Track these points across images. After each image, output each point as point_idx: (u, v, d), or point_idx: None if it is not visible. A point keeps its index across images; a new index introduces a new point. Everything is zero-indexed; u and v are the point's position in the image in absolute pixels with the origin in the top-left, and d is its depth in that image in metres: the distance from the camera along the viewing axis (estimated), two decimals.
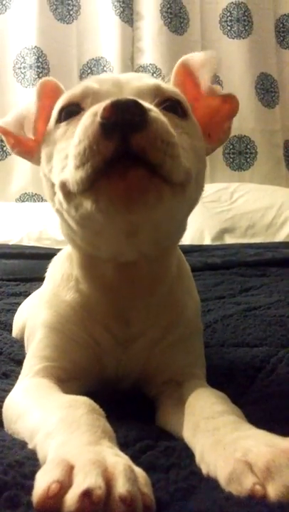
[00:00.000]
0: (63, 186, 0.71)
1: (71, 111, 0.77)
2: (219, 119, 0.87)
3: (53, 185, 0.77)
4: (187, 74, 0.86)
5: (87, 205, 0.68)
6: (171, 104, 0.76)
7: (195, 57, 0.85)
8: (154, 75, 3.26)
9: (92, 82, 0.78)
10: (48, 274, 0.96)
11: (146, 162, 0.64)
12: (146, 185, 0.66)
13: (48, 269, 0.98)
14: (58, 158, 0.75)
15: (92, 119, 0.65)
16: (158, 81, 0.79)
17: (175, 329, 0.87)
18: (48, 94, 0.84)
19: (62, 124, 0.77)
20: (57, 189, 0.74)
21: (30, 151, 0.88)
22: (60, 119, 0.78)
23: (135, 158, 0.64)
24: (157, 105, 0.73)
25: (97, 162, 0.64)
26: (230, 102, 0.85)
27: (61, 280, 0.88)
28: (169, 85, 0.80)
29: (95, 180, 0.65)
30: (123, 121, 0.63)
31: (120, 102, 0.63)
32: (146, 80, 0.78)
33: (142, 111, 0.64)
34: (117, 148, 0.63)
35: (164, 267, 0.85)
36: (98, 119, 0.64)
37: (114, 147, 0.63)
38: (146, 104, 0.66)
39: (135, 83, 0.77)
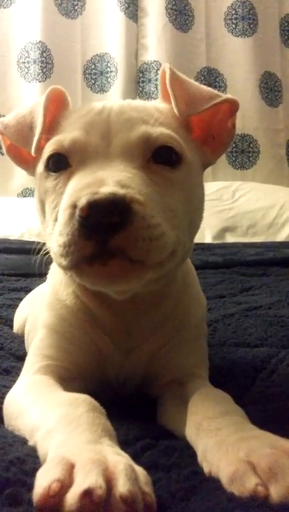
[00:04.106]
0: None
1: (59, 163, 0.76)
2: (221, 117, 0.84)
3: (44, 217, 0.79)
4: None
5: (74, 276, 0.71)
6: (163, 152, 0.74)
7: (166, 80, 0.80)
8: (159, 71, 3.24)
9: (80, 132, 0.75)
10: (49, 274, 0.95)
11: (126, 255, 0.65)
12: (126, 271, 0.66)
13: (50, 267, 0.97)
14: (50, 207, 0.76)
15: (71, 211, 0.65)
16: (148, 130, 0.74)
17: (179, 333, 0.87)
18: (52, 100, 0.82)
19: (52, 175, 0.77)
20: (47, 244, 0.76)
21: (25, 161, 0.87)
22: (48, 167, 0.77)
23: (116, 252, 0.64)
24: (147, 160, 0.73)
25: (77, 258, 0.65)
26: (228, 102, 0.82)
27: (60, 284, 0.88)
28: (160, 129, 0.75)
29: (78, 264, 0.66)
30: (101, 224, 0.62)
31: (97, 203, 0.62)
32: (136, 132, 0.74)
33: (122, 210, 0.62)
34: (96, 248, 0.64)
35: (168, 284, 0.84)
36: (77, 215, 0.63)
37: (92, 247, 0.64)
38: (130, 193, 0.64)
39: (124, 135, 0.73)
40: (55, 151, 0.76)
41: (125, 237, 0.63)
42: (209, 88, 0.83)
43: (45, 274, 0.97)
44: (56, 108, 0.83)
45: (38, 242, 0.82)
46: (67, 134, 0.76)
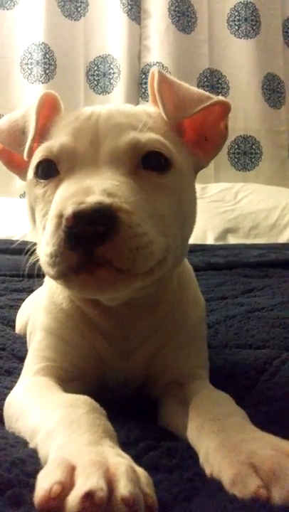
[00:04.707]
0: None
1: (48, 169, 0.75)
2: (214, 119, 0.83)
3: (34, 223, 0.79)
4: None
5: (63, 285, 0.71)
6: (152, 157, 0.74)
7: (154, 84, 0.79)
8: None
9: (68, 138, 0.74)
10: (46, 277, 0.95)
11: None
12: (113, 280, 0.66)
13: None
14: (39, 215, 0.76)
15: (57, 221, 0.64)
16: (136, 136, 0.73)
17: (178, 335, 0.87)
18: (45, 104, 0.82)
19: (41, 183, 0.76)
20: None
21: (18, 166, 0.86)
22: (37, 173, 0.77)
23: (102, 261, 0.64)
24: (135, 166, 0.72)
25: (63, 268, 0.65)
26: (220, 104, 0.81)
27: (56, 288, 0.87)
28: (149, 135, 0.74)
29: (65, 274, 0.67)
30: (86, 235, 0.62)
31: (83, 213, 0.62)
32: (124, 138, 0.73)
33: (107, 220, 0.62)
34: (82, 258, 0.63)
35: (163, 287, 0.84)
36: (63, 225, 0.63)
37: (79, 257, 0.63)
38: (116, 202, 0.63)
39: (112, 141, 0.73)
40: (44, 157, 0.75)
41: (111, 247, 0.63)
42: (199, 90, 0.82)
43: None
44: (48, 113, 0.82)
45: (31, 243, 0.82)
46: (56, 140, 0.75)
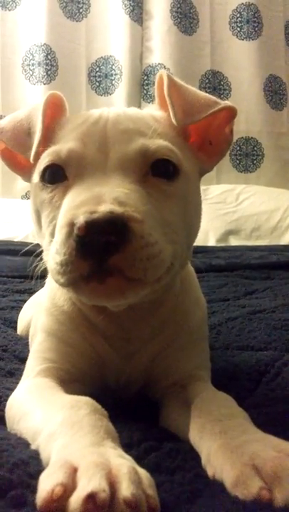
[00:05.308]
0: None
1: (56, 174, 0.75)
2: (219, 123, 0.83)
3: (40, 227, 0.78)
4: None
5: (71, 292, 0.71)
6: (160, 164, 0.73)
7: (164, 87, 0.79)
8: None
9: (76, 143, 0.74)
10: (48, 279, 0.95)
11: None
12: (123, 288, 0.66)
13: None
14: (46, 220, 0.75)
15: (68, 229, 0.64)
16: (145, 143, 0.73)
17: (180, 337, 0.86)
18: (50, 105, 0.81)
19: (48, 187, 0.75)
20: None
21: (20, 167, 0.85)
22: (44, 177, 0.76)
23: (113, 270, 0.64)
24: (144, 173, 0.72)
25: (74, 277, 0.65)
26: (226, 109, 0.80)
27: (58, 289, 0.87)
28: (158, 142, 0.74)
29: (75, 282, 0.66)
30: (98, 244, 0.62)
31: (95, 222, 0.61)
32: (133, 145, 0.73)
33: (119, 229, 0.62)
34: (93, 268, 0.63)
35: (167, 290, 0.84)
36: (74, 234, 0.63)
37: (90, 267, 0.63)
38: (128, 211, 0.63)
39: (121, 148, 0.72)
40: (51, 162, 0.75)
41: (123, 257, 0.62)
42: (207, 95, 0.82)
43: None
44: (54, 114, 0.82)
45: (32, 244, 0.81)
46: (64, 145, 0.75)
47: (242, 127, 3.35)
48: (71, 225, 0.63)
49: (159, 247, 0.66)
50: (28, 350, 1.06)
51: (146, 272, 0.65)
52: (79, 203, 0.65)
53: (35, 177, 0.78)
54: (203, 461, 0.60)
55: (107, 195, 0.65)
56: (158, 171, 0.73)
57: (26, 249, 0.85)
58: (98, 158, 0.72)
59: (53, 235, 0.71)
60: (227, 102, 0.80)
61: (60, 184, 0.74)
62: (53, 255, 0.67)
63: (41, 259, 0.77)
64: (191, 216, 0.79)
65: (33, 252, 0.82)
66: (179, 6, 3.31)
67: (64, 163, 0.74)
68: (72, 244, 0.63)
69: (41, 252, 0.78)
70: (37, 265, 0.78)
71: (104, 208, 0.62)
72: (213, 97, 0.81)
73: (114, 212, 0.62)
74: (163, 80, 0.80)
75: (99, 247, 0.62)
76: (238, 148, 3.39)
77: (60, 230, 0.65)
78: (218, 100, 0.80)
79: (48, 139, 0.78)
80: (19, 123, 0.82)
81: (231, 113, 0.81)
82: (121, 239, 0.62)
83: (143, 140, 0.74)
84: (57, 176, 0.75)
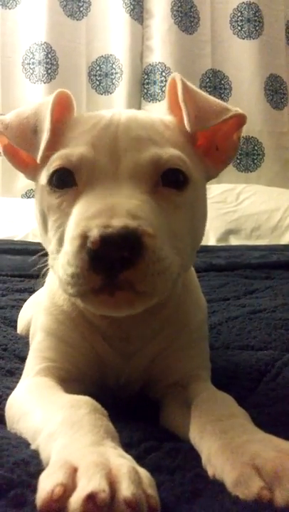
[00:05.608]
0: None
1: (65, 179, 0.73)
2: (227, 129, 0.82)
3: (45, 230, 0.77)
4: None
5: (78, 302, 0.71)
6: (170, 173, 0.73)
7: (178, 91, 0.78)
8: (164, 73, 3.25)
9: (87, 148, 0.72)
10: (47, 278, 0.94)
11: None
12: (132, 301, 0.66)
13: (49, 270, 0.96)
14: (53, 225, 0.74)
15: (80, 242, 0.63)
16: (157, 152, 0.72)
17: (180, 337, 0.86)
18: (58, 104, 0.79)
19: (57, 192, 0.74)
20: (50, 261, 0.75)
21: (24, 164, 0.84)
22: (52, 181, 0.74)
23: (124, 284, 0.64)
24: (155, 183, 0.72)
25: (84, 289, 0.65)
26: (235, 116, 0.79)
27: (57, 288, 0.86)
28: (170, 151, 0.73)
29: (84, 294, 0.66)
30: (111, 258, 0.61)
31: (110, 237, 0.61)
32: (146, 154, 0.72)
33: (133, 245, 0.62)
34: (104, 282, 0.63)
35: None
36: (88, 247, 0.62)
37: (101, 280, 0.63)
38: (141, 226, 0.63)
39: (133, 156, 0.71)
40: (61, 166, 0.73)
41: (135, 272, 0.62)
42: (218, 101, 0.81)
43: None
44: (61, 112, 0.80)
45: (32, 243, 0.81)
46: (75, 149, 0.73)
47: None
48: (84, 237, 0.63)
49: (169, 261, 0.66)
50: (28, 349, 1.06)
51: (155, 285, 0.65)
52: (91, 214, 0.65)
53: (43, 179, 0.77)
54: (204, 460, 0.60)
55: (120, 207, 0.64)
56: (168, 181, 0.73)
57: (32, 248, 0.84)
58: (109, 165, 0.71)
59: (60, 241, 0.71)
60: (238, 109, 0.79)
61: (70, 190, 0.73)
62: (64, 266, 0.66)
63: (46, 260, 0.77)
64: (197, 224, 0.79)
65: (34, 251, 0.82)
66: (179, 4, 3.31)
67: (74, 168, 0.72)
68: (85, 257, 0.63)
69: (46, 252, 0.78)
70: (44, 266, 0.78)
71: (119, 223, 0.62)
72: (224, 104, 0.80)
73: (128, 227, 0.62)
74: (175, 84, 0.79)
75: (112, 261, 0.61)
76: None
77: (72, 241, 0.65)
78: (229, 107, 0.79)
79: (55, 139, 0.76)
80: (25, 120, 0.79)
81: (241, 120, 0.81)
82: (134, 254, 0.62)
83: (155, 149, 0.73)
84: (66, 180, 0.73)
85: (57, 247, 0.71)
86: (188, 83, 0.80)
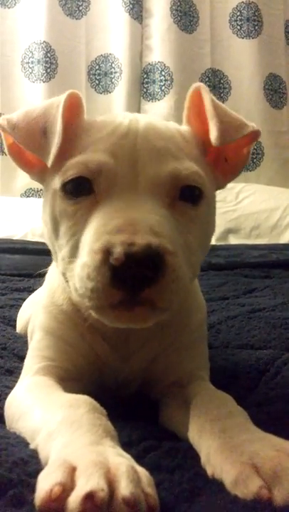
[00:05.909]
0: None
1: (82, 187, 0.72)
2: (238, 142, 0.80)
3: (55, 234, 0.76)
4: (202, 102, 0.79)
5: (93, 313, 0.69)
6: (187, 188, 0.73)
7: (206, 103, 0.77)
8: (163, 72, 3.25)
9: (107, 157, 0.71)
10: (47, 276, 0.94)
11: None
12: (149, 315, 0.67)
13: (49, 268, 0.96)
14: (67, 232, 0.73)
15: (102, 256, 0.63)
16: (177, 167, 0.72)
17: (180, 338, 0.86)
18: (69, 105, 0.76)
19: (72, 199, 0.72)
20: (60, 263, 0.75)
21: (29, 164, 0.82)
22: (66, 188, 0.73)
23: (143, 301, 0.64)
24: (173, 197, 0.72)
25: (102, 303, 0.65)
26: (253, 132, 0.79)
27: (57, 287, 0.87)
28: (189, 165, 0.73)
29: (102, 307, 0.66)
30: (134, 275, 0.62)
31: (134, 256, 0.61)
32: (165, 168, 0.71)
33: (156, 264, 0.62)
34: (124, 298, 0.63)
35: None
36: (110, 264, 0.62)
37: (121, 296, 0.63)
38: (163, 244, 0.63)
39: (153, 169, 0.71)
40: (79, 174, 0.71)
41: (156, 289, 0.63)
42: (237, 115, 0.80)
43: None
44: (70, 114, 0.77)
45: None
46: (93, 156, 0.71)
47: None
48: (106, 252, 0.62)
49: (186, 279, 0.67)
50: (27, 349, 1.06)
51: (171, 302, 0.66)
52: (112, 228, 0.64)
53: (56, 183, 0.74)
54: (203, 460, 0.60)
55: (142, 223, 0.64)
56: (184, 195, 0.73)
57: (31, 248, 0.83)
58: (129, 176, 0.70)
59: (74, 248, 0.70)
60: (254, 125, 0.79)
61: (86, 198, 0.72)
62: (83, 279, 0.65)
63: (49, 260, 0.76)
64: (208, 235, 0.80)
65: (32, 250, 0.81)
66: (178, 4, 3.31)
67: (92, 176, 0.71)
68: (107, 273, 0.62)
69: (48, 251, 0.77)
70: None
71: (142, 240, 0.61)
72: (243, 119, 0.80)
73: (152, 246, 0.62)
74: (198, 94, 0.78)
75: (134, 279, 0.62)
76: None
77: (93, 255, 0.64)
78: (247, 123, 0.79)
79: (65, 142, 0.73)
80: (34, 120, 0.76)
81: (255, 136, 0.80)
82: (156, 272, 0.62)
83: (174, 163, 0.72)
84: (82, 188, 0.72)
85: (70, 254, 0.71)
86: (213, 97, 0.79)
